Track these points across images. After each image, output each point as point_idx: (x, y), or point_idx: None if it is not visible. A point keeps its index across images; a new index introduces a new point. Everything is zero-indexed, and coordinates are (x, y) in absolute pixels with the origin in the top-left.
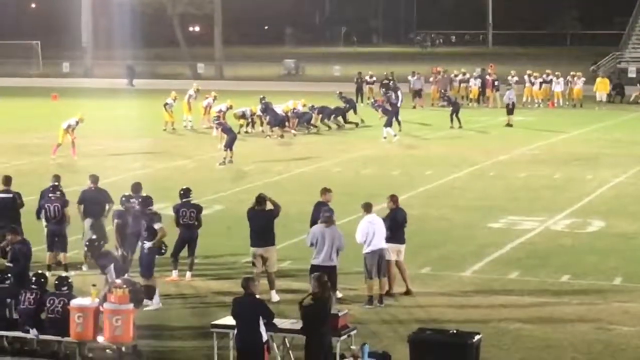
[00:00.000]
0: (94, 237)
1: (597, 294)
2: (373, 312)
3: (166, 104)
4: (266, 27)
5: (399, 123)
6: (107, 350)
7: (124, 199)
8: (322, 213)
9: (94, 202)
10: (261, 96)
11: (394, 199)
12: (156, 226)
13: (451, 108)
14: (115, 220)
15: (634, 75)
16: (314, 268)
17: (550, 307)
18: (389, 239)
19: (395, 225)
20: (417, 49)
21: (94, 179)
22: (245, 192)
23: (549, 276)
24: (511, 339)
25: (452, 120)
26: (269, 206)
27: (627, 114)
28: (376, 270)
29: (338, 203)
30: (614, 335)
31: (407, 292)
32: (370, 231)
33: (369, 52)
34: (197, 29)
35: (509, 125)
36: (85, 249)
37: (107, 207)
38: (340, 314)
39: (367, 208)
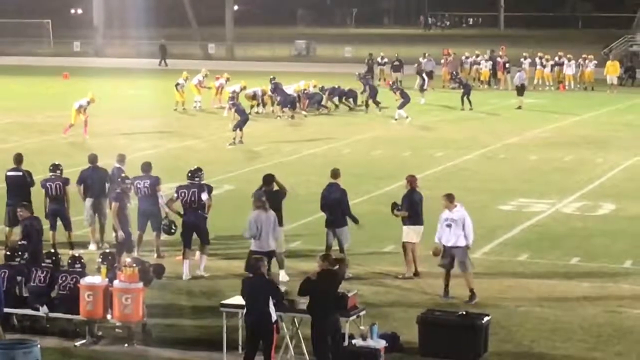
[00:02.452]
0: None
1: (607, 276)
2: (383, 293)
3: (177, 84)
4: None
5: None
6: (117, 329)
7: (120, 180)
8: (256, 198)
9: (94, 181)
10: (271, 76)
11: (411, 179)
12: (204, 197)
13: (462, 90)
14: (113, 203)
15: None
16: (253, 254)
17: (560, 290)
18: (410, 221)
19: (414, 206)
20: (425, 30)
21: (92, 157)
22: (255, 172)
23: (559, 259)
24: (520, 320)
25: (462, 102)
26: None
27: (638, 97)
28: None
29: (348, 184)
30: (624, 318)
31: (416, 274)
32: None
33: (380, 34)
34: (208, 9)
35: (519, 107)
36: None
37: (106, 186)
38: (349, 294)
39: (448, 199)
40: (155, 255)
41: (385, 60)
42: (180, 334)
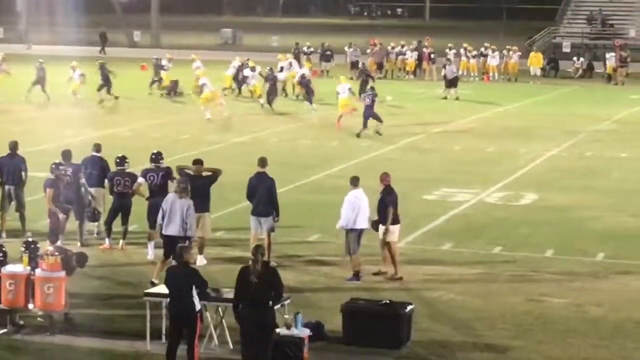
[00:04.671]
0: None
1: (529, 266)
2: (308, 282)
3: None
4: None
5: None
6: (39, 318)
7: (53, 166)
8: (177, 183)
9: (11, 169)
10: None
11: (384, 177)
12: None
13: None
14: (48, 189)
15: (568, 50)
16: (167, 238)
17: (483, 279)
18: (394, 220)
19: (394, 204)
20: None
21: (12, 145)
22: (180, 161)
23: (482, 248)
24: (443, 309)
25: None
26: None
27: (561, 89)
28: (356, 247)
29: (274, 173)
30: (545, 307)
31: (379, 273)
32: (356, 207)
33: (307, 23)
34: None
35: (457, 98)
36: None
37: (23, 174)
38: None
39: (354, 182)
40: (79, 243)
41: (312, 49)
42: (103, 324)
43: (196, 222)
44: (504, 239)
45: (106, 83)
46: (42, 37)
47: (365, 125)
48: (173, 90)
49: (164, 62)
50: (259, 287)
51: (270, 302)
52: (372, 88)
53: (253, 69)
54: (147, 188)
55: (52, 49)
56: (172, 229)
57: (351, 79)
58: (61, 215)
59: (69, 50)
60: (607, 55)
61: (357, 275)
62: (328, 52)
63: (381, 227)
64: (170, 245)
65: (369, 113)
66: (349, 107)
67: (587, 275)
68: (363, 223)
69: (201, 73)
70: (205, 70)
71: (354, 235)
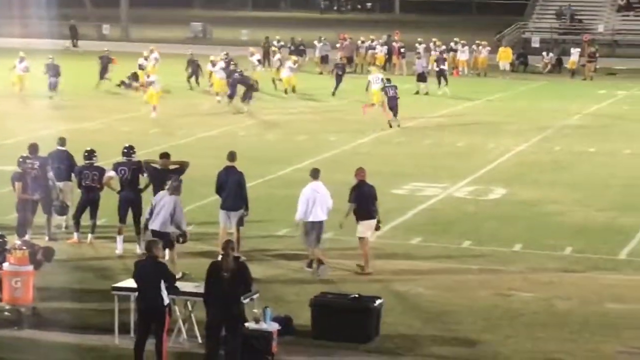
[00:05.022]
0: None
1: (498, 260)
2: (277, 276)
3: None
4: None
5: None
6: (6, 312)
7: (21, 160)
8: (171, 182)
9: None
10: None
11: (358, 172)
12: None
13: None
14: (16, 183)
15: (537, 45)
16: (153, 233)
17: (452, 273)
18: (362, 216)
19: (362, 200)
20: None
21: None
22: (147, 155)
23: (451, 242)
24: (412, 304)
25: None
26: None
27: (530, 84)
28: (314, 239)
29: (243, 167)
30: (513, 301)
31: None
32: (311, 200)
33: (277, 17)
34: None
35: (416, 92)
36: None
37: None
38: None
39: (314, 174)
40: (47, 237)
41: (282, 43)
42: (72, 318)
43: None
44: (473, 234)
45: (103, 71)
46: (13, 30)
47: (395, 114)
48: (131, 80)
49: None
50: (230, 282)
51: (241, 297)
52: (389, 80)
53: (214, 64)
54: (117, 182)
55: (22, 41)
56: (155, 224)
57: (320, 73)
58: (36, 196)
59: (39, 43)
60: (572, 51)
61: (320, 263)
62: (301, 47)
63: (364, 223)
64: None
65: (393, 104)
66: (379, 98)
67: (555, 270)
68: (322, 215)
69: (152, 69)
70: (161, 64)
71: (310, 226)
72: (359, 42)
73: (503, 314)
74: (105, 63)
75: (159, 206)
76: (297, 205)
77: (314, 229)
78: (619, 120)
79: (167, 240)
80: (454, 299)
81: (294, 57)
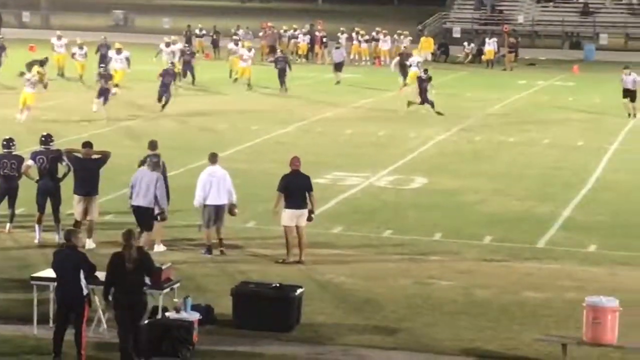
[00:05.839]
0: None
1: (418, 249)
2: (198, 266)
3: None
4: None
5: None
6: None
7: None
8: (149, 158)
9: None
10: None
11: (292, 161)
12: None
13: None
14: None
15: (458, 36)
16: (137, 209)
17: (373, 262)
18: (288, 205)
19: (290, 189)
20: (244, 2)
21: None
22: (67, 144)
23: (372, 231)
24: (334, 292)
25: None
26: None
27: (451, 74)
28: (213, 221)
29: (164, 156)
30: (433, 290)
31: (300, 261)
32: (207, 183)
33: (198, 5)
34: None
35: (337, 83)
36: None
37: None
38: (163, 267)
39: (211, 159)
40: None
41: (204, 32)
42: None
43: (84, 205)
44: (394, 223)
45: (102, 60)
46: None
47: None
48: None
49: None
50: (134, 272)
51: (144, 287)
52: (426, 70)
53: (119, 52)
54: (36, 170)
55: None
56: (141, 200)
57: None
58: None
59: None
60: (488, 41)
61: (209, 249)
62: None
63: (288, 212)
64: (140, 215)
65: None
66: (414, 80)
67: (475, 259)
68: (219, 199)
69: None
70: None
71: (207, 210)
72: (282, 30)
73: (423, 302)
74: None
75: (143, 183)
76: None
77: (212, 213)
78: (538, 111)
79: (150, 216)
80: (375, 288)
81: (247, 44)
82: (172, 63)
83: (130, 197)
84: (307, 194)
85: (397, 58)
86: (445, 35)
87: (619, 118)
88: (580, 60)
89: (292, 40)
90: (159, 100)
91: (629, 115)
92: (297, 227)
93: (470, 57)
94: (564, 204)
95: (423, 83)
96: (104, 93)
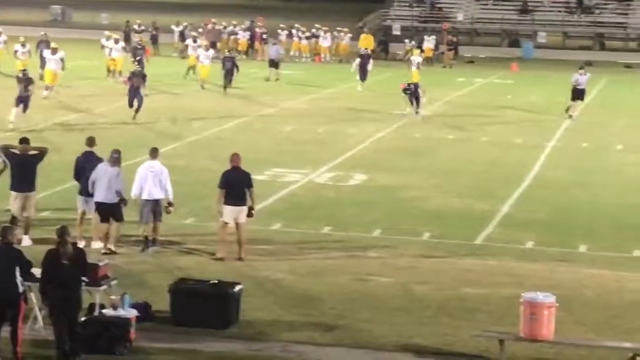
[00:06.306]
0: None
1: (357, 245)
2: (136, 262)
3: None
4: None
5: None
6: None
7: None
8: (110, 154)
9: None
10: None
11: (232, 157)
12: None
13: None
14: None
15: (398, 33)
16: (97, 204)
17: (312, 259)
18: (227, 201)
19: (230, 185)
20: None
21: None
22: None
23: (311, 228)
24: (272, 289)
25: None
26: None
27: (391, 71)
28: (150, 216)
29: (104, 153)
30: (372, 286)
31: (239, 259)
32: (145, 177)
33: (137, 0)
34: None
35: (277, 79)
36: None
37: None
38: (100, 264)
39: (151, 153)
40: None
41: (143, 27)
42: None
43: (21, 201)
44: (333, 219)
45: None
46: None
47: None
48: None
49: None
50: (69, 268)
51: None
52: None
53: (55, 52)
54: None
55: None
56: (104, 196)
57: (183, 58)
58: None
59: None
60: (427, 38)
61: (147, 241)
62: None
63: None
64: (105, 211)
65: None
66: (418, 79)
67: (414, 255)
68: (155, 194)
69: None
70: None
71: (144, 204)
72: (221, 27)
73: (362, 298)
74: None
75: (104, 179)
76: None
77: (148, 207)
78: (477, 108)
79: (115, 211)
80: (314, 284)
81: (205, 43)
82: (139, 62)
83: (92, 195)
84: (246, 191)
85: (358, 59)
86: (385, 32)
87: (557, 116)
88: (519, 58)
89: (232, 37)
90: (130, 105)
91: (570, 116)
92: (236, 224)
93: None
94: (503, 201)
95: (408, 89)
96: (23, 100)
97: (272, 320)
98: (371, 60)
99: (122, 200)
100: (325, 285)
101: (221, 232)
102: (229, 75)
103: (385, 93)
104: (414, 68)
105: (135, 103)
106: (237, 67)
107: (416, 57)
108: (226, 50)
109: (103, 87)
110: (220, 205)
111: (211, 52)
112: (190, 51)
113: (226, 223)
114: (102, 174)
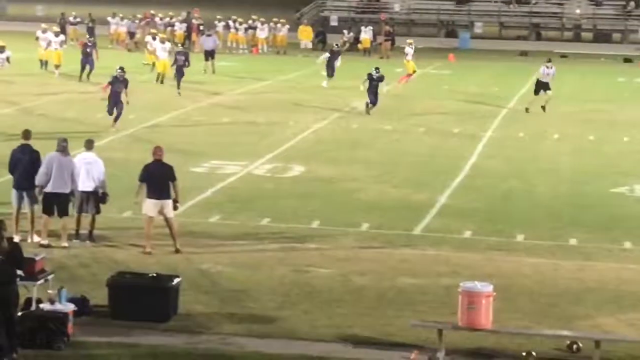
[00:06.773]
0: None
1: (296, 237)
2: (73, 256)
3: None
4: None
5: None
6: None
7: None
8: (58, 142)
9: None
10: None
11: (155, 150)
12: None
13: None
14: None
15: (336, 24)
16: (48, 195)
17: (251, 251)
18: (149, 195)
19: (152, 178)
20: None
21: None
22: None
23: (250, 220)
24: (211, 282)
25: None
26: None
27: None
28: (83, 207)
29: (40, 146)
30: (311, 278)
31: (176, 251)
32: (78, 168)
33: None
34: None
35: (213, 72)
36: None
37: None
38: (37, 258)
39: (87, 145)
40: None
41: (78, 19)
42: None
43: None
44: (272, 211)
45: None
46: None
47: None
48: None
49: None
50: (5, 264)
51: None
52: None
53: (1, 50)
54: None
55: None
56: (57, 186)
57: (129, 50)
58: None
59: None
60: (364, 29)
61: (78, 236)
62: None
63: (149, 201)
64: (56, 201)
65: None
66: (414, 68)
67: (352, 246)
68: (88, 185)
69: None
70: None
71: (77, 196)
72: (157, 18)
73: (301, 290)
74: None
75: (56, 168)
76: None
77: (81, 199)
78: (415, 99)
79: (66, 202)
80: (253, 277)
81: (162, 35)
82: (122, 68)
83: (43, 184)
84: (170, 184)
85: (327, 54)
86: (322, 23)
87: (493, 106)
88: (456, 49)
89: (169, 28)
90: (110, 112)
91: (527, 109)
92: (166, 218)
93: (347, 45)
94: (440, 191)
95: (373, 82)
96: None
97: (211, 312)
98: (340, 57)
99: (104, 195)
100: (264, 278)
101: (146, 226)
102: (180, 72)
103: (321, 85)
104: (409, 58)
105: (115, 111)
106: (188, 62)
107: (410, 49)
108: (179, 45)
109: (38, 80)
110: (140, 198)
111: (167, 45)
112: (150, 47)
113: (151, 217)
114: (55, 164)
